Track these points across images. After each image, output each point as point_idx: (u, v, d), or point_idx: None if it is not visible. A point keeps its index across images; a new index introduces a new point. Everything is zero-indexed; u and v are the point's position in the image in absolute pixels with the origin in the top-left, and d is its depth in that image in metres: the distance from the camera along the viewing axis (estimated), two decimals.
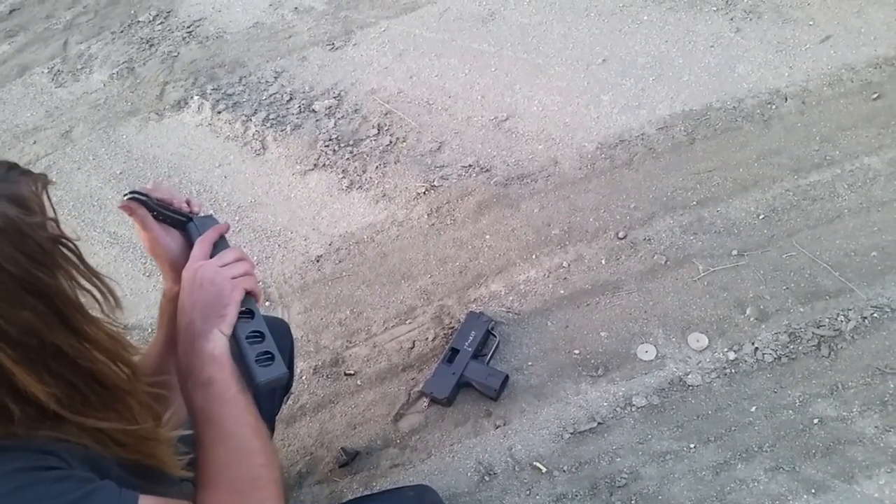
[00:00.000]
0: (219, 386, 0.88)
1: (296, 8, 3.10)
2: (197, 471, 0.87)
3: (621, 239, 2.13)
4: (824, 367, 1.80)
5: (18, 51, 3.25)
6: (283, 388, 1.59)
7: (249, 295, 1.01)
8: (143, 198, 1.05)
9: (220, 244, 1.07)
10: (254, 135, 2.64)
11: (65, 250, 0.74)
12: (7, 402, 0.70)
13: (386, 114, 2.62)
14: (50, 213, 0.75)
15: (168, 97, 2.87)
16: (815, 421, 1.72)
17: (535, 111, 2.53)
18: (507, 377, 1.88)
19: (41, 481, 0.72)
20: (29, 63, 3.17)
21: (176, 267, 1.04)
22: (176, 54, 3.05)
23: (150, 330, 2.19)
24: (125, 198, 1.05)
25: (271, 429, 1.55)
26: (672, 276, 2.04)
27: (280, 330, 1.58)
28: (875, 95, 2.33)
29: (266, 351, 0.97)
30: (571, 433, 1.80)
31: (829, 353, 1.82)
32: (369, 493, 1.77)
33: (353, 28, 2.97)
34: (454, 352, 1.90)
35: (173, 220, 1.09)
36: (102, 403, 0.79)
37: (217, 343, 0.90)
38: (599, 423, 1.80)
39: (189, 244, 1.06)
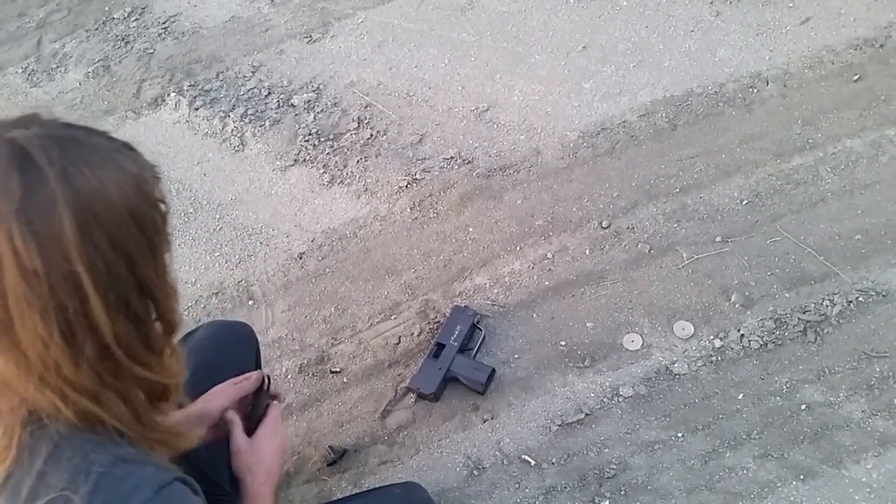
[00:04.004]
0: None
1: (272, 0, 3.06)
2: None
3: (605, 228, 2.12)
4: (811, 353, 1.80)
5: None
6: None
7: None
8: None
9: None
10: (232, 131, 2.61)
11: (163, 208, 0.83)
12: (82, 338, 0.74)
13: (366, 107, 2.59)
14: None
15: (145, 95, 2.83)
16: (803, 407, 1.72)
17: (515, 101, 2.51)
18: (493, 371, 1.87)
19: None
20: (2, 63, 3.11)
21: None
22: (152, 51, 3.00)
23: None
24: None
25: None
26: (656, 264, 2.03)
27: (243, 336, 1.56)
28: (856, 77, 2.32)
29: None
30: (559, 425, 1.79)
31: (816, 339, 1.82)
32: (358, 490, 1.76)
33: (331, 20, 2.94)
34: (440, 347, 1.89)
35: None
36: (155, 349, 0.84)
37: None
38: (587, 415, 1.80)
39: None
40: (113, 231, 0.74)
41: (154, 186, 0.81)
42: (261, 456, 1.18)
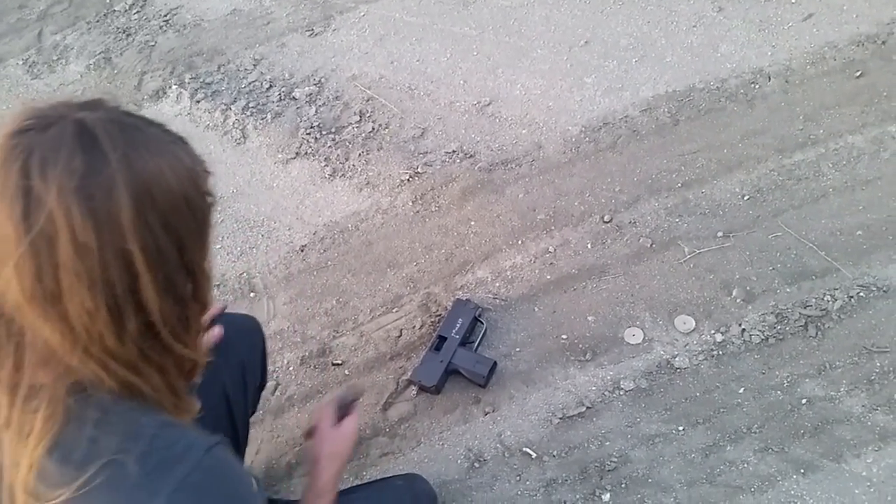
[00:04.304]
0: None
1: None
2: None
3: (607, 223, 2.13)
4: (811, 347, 1.81)
5: None
6: (257, 387, 1.58)
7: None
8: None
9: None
10: (234, 124, 2.60)
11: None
12: (128, 314, 0.77)
13: (368, 100, 2.59)
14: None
15: (146, 87, 2.82)
16: (803, 401, 1.73)
17: (518, 95, 2.51)
18: (495, 364, 1.87)
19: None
20: (2, 55, 3.11)
21: None
22: (153, 43, 2.99)
23: None
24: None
25: (245, 428, 1.53)
26: (658, 258, 2.04)
27: (249, 328, 1.56)
28: (858, 73, 2.32)
29: None
30: (560, 418, 1.80)
31: (816, 333, 1.83)
32: (359, 482, 1.76)
33: (333, 13, 2.93)
34: (442, 339, 1.89)
35: None
36: (192, 328, 0.88)
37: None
38: (588, 408, 1.80)
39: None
40: (167, 215, 0.78)
41: (204, 179, 0.85)
42: (342, 448, 1.33)
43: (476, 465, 1.76)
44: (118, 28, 3.10)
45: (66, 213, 0.72)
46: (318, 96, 2.64)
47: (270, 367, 1.77)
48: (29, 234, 0.72)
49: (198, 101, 2.70)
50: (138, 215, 0.75)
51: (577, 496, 1.68)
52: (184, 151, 0.83)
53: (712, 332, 1.88)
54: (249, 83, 2.73)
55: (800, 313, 1.86)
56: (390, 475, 1.63)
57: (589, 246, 2.09)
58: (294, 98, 2.64)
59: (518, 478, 1.73)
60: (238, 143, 2.56)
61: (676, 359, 1.84)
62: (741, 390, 1.77)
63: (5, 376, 0.78)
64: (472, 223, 2.20)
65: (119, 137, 0.76)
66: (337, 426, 1.35)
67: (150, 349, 0.82)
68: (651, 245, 2.06)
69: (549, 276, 2.05)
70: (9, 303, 0.76)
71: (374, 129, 2.50)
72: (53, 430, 0.77)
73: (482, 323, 1.95)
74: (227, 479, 0.86)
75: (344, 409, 1.39)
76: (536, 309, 2.00)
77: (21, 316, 0.76)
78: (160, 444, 0.81)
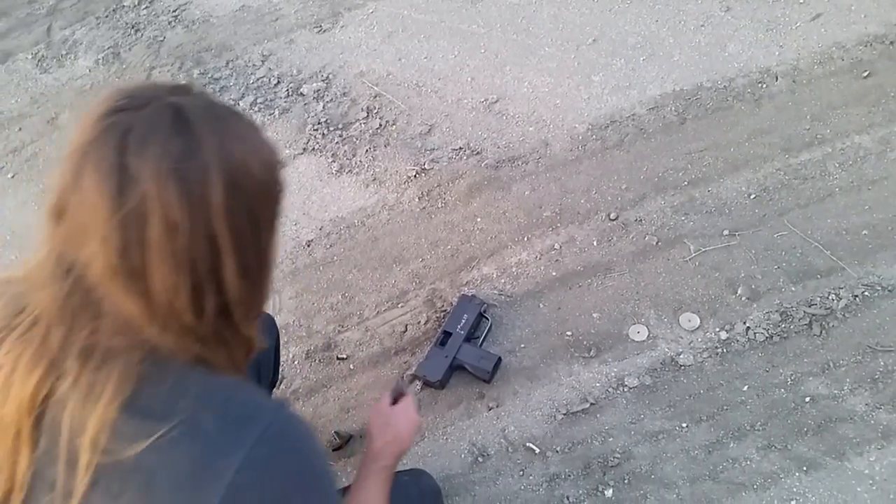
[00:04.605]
0: (385, 474, 1.30)
1: None
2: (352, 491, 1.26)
3: (612, 220, 2.13)
4: (816, 346, 1.81)
5: (1, 37, 3.21)
6: (270, 383, 1.59)
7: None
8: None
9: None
10: None
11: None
12: (208, 293, 0.81)
13: (375, 97, 2.60)
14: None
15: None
16: (807, 399, 1.73)
17: (525, 93, 2.52)
18: (499, 359, 1.88)
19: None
20: (12, 49, 3.13)
21: None
22: (162, 39, 3.01)
23: None
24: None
25: None
26: (663, 256, 2.04)
27: (265, 324, 1.57)
28: (865, 74, 2.32)
29: None
30: (564, 414, 1.80)
31: (821, 332, 1.83)
32: None
33: (341, 10, 2.94)
34: (447, 335, 1.90)
35: None
36: (258, 312, 0.93)
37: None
38: (592, 404, 1.81)
39: None
40: (251, 201, 0.82)
41: (280, 168, 0.89)
42: (395, 421, 1.36)
43: (479, 459, 1.77)
44: (127, 23, 3.11)
45: (161, 193, 0.74)
46: (326, 92, 2.65)
47: None
48: (120, 210, 0.75)
49: None
50: (227, 200, 0.78)
51: (580, 492, 1.69)
52: (264, 140, 0.87)
53: (717, 329, 1.88)
54: (257, 79, 2.74)
55: (804, 312, 1.87)
56: (396, 470, 1.63)
57: (595, 243, 2.10)
58: (302, 94, 2.66)
59: (521, 473, 1.73)
60: None
61: (681, 356, 1.85)
62: (745, 388, 1.77)
63: (80, 340, 0.80)
64: (479, 220, 2.21)
65: (212, 124, 0.79)
66: (391, 406, 1.41)
67: (223, 328, 0.85)
68: (657, 243, 2.06)
69: (554, 273, 2.06)
70: (92, 274, 0.78)
71: (381, 125, 2.50)
72: (128, 391, 0.79)
73: (487, 319, 1.96)
74: (301, 434, 0.88)
75: (398, 395, 1.44)
76: (541, 305, 2.01)
77: (103, 287, 0.79)
78: (235, 403, 0.83)
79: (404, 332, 2.01)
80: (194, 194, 0.76)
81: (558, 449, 1.75)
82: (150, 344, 0.81)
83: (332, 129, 2.52)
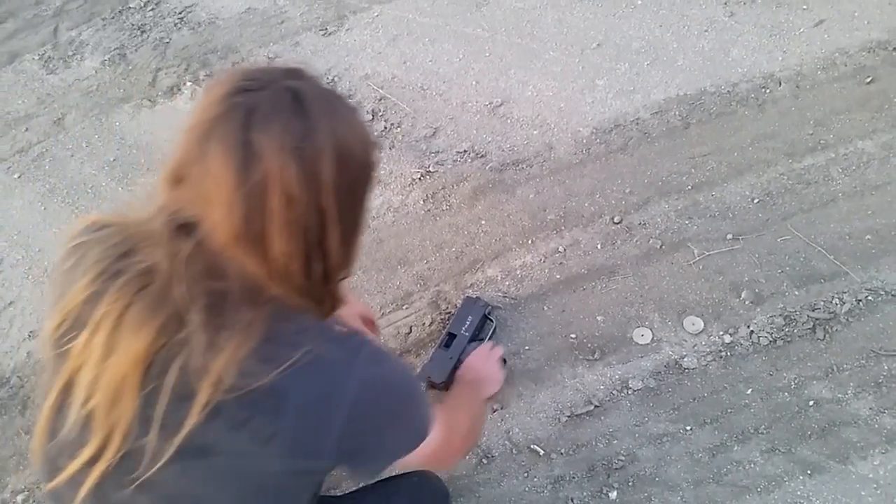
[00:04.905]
0: (476, 401, 1.50)
1: None
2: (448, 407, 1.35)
3: (617, 223, 2.14)
4: (819, 350, 1.82)
5: (8, 38, 3.22)
6: None
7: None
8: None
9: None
10: None
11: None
12: (315, 259, 0.92)
13: (380, 99, 2.61)
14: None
15: (161, 84, 2.85)
16: (811, 403, 1.74)
17: (529, 96, 2.53)
18: (504, 361, 1.88)
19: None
20: (19, 50, 3.14)
21: None
22: (168, 40, 3.02)
23: None
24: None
25: None
26: (667, 260, 2.05)
27: None
28: (868, 79, 2.33)
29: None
30: (569, 416, 1.81)
31: (824, 336, 1.84)
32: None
33: (346, 13, 2.96)
34: (451, 336, 1.90)
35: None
36: (348, 276, 1.05)
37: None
38: (596, 406, 1.81)
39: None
40: (353, 178, 0.93)
41: (375, 150, 0.99)
42: (490, 369, 1.73)
43: (484, 461, 1.78)
44: (133, 25, 3.13)
45: (282, 168, 0.84)
46: None
47: None
48: (245, 182, 0.84)
49: None
50: (335, 177, 0.88)
51: (585, 493, 1.69)
52: (364, 124, 0.97)
53: (721, 333, 1.89)
54: None
55: (808, 316, 1.87)
56: (403, 472, 1.64)
57: (599, 246, 2.11)
58: None
59: (526, 475, 1.74)
60: None
61: (685, 359, 1.85)
62: (749, 391, 1.78)
63: (204, 297, 0.87)
64: (483, 222, 2.22)
65: (325, 107, 0.90)
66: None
67: (324, 288, 0.98)
68: (661, 246, 2.07)
69: (558, 276, 2.07)
70: (217, 239, 0.87)
71: (386, 128, 2.51)
72: (256, 339, 0.87)
73: (492, 321, 1.96)
74: (390, 355, 1.04)
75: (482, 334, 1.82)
76: (546, 308, 2.01)
77: (227, 251, 0.88)
78: (343, 339, 0.97)
79: (409, 333, 2.02)
80: (310, 171, 0.86)
81: (563, 451, 1.76)
82: (274, 299, 0.92)
83: None
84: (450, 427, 1.19)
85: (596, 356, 1.90)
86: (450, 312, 2.03)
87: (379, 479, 1.73)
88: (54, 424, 0.92)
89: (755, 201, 2.12)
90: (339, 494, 1.43)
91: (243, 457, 0.89)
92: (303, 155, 0.85)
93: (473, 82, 2.61)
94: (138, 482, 0.87)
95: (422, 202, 2.29)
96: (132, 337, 0.86)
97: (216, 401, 0.85)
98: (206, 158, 0.85)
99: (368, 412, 0.96)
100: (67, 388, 0.90)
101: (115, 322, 0.87)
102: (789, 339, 1.85)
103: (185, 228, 0.89)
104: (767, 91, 2.38)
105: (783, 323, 1.87)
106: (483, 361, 1.75)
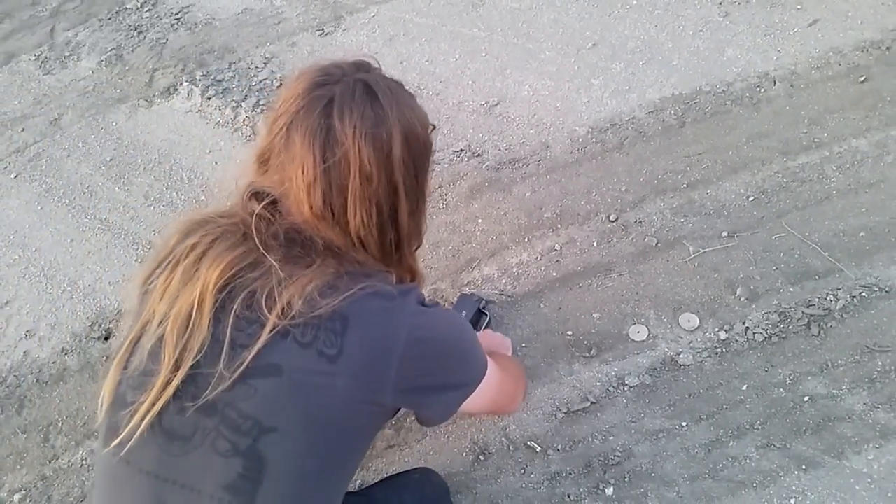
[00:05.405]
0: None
1: None
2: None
3: (613, 222, 2.15)
4: (814, 346, 1.83)
5: (4, 38, 3.22)
6: None
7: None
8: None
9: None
10: (244, 121, 2.63)
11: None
12: (388, 230, 1.08)
13: None
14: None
15: (157, 84, 2.86)
16: (806, 398, 1.75)
17: (525, 96, 2.54)
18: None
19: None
20: (15, 50, 3.15)
21: None
22: (164, 41, 3.03)
23: None
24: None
25: None
26: (663, 257, 2.06)
27: None
28: (862, 79, 2.35)
29: None
30: (565, 413, 1.81)
31: (819, 332, 1.84)
32: (370, 476, 1.78)
33: (343, 13, 2.97)
34: None
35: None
36: (417, 247, 1.23)
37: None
38: (592, 403, 1.82)
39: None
40: (417, 157, 1.08)
41: (432, 131, 1.14)
42: (490, 339, 1.83)
43: (481, 458, 1.78)
44: (130, 25, 3.13)
45: (359, 150, 0.99)
46: None
47: None
48: (326, 163, 0.98)
49: (209, 98, 2.73)
50: (404, 156, 1.03)
51: (581, 490, 1.70)
52: (421, 108, 1.13)
53: (716, 329, 1.90)
54: (260, 81, 2.76)
55: (803, 312, 1.88)
56: (403, 470, 1.64)
57: (595, 244, 2.12)
58: None
59: (522, 471, 1.75)
60: (248, 140, 2.59)
61: (680, 356, 1.86)
62: (744, 387, 1.79)
63: (288, 241, 1.01)
64: (479, 221, 2.22)
65: (393, 97, 1.04)
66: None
67: (398, 255, 1.13)
68: (656, 244, 2.08)
69: (555, 274, 2.08)
70: (303, 214, 1.01)
71: None
72: (326, 278, 0.98)
73: (486, 314, 1.97)
74: (441, 305, 1.22)
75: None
76: (542, 305, 2.02)
77: (310, 225, 1.02)
78: (405, 287, 1.07)
79: None
80: (383, 152, 1.01)
81: (559, 447, 1.77)
82: (353, 260, 1.05)
83: None
84: (504, 368, 1.32)
85: (592, 353, 1.90)
86: None
87: (380, 479, 1.75)
88: (128, 361, 0.99)
89: (750, 199, 2.13)
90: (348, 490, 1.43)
91: (311, 374, 0.94)
92: (376, 137, 1.00)
93: (470, 82, 2.62)
94: (201, 404, 0.92)
95: None
96: (210, 267, 0.96)
97: (283, 325, 0.93)
98: (292, 143, 0.99)
99: (426, 340, 1.03)
100: (144, 326, 0.98)
101: (198, 255, 0.97)
102: (784, 335, 1.86)
103: (259, 196, 1.03)
104: (762, 90, 2.39)
105: (778, 319, 1.88)
106: (485, 338, 1.83)
